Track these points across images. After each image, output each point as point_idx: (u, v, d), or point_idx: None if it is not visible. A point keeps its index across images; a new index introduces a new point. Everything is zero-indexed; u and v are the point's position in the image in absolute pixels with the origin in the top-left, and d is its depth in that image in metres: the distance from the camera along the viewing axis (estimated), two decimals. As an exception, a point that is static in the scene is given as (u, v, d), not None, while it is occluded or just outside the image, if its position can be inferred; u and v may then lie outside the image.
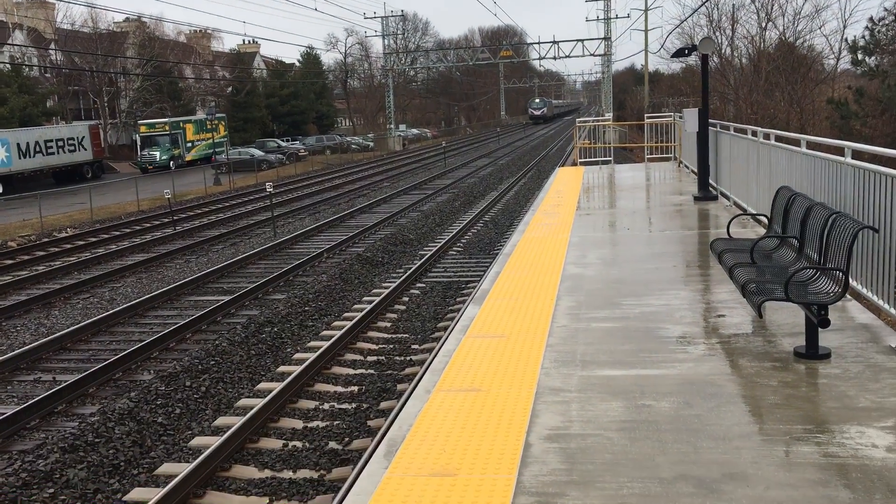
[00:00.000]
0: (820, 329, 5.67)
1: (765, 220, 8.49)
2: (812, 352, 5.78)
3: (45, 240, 22.55)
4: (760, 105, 35.53)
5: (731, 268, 6.63)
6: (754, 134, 11.40)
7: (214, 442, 7.81)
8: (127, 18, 62.81)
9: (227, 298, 13.72)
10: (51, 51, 58.26)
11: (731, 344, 6.20)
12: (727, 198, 13.38)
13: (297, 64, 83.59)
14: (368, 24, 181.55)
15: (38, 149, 41.72)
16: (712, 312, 7.12)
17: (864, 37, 29.51)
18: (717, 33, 40.35)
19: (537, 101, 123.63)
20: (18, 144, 40.30)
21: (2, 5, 57.06)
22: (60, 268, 17.84)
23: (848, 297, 6.90)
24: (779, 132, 10.48)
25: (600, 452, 4.46)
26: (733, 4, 40.37)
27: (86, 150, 46.00)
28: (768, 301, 5.73)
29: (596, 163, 23.24)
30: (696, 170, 15.09)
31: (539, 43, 65.61)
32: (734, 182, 12.98)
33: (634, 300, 7.59)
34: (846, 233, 5.66)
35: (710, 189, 14.16)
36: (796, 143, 8.92)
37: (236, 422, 8.33)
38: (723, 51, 39.96)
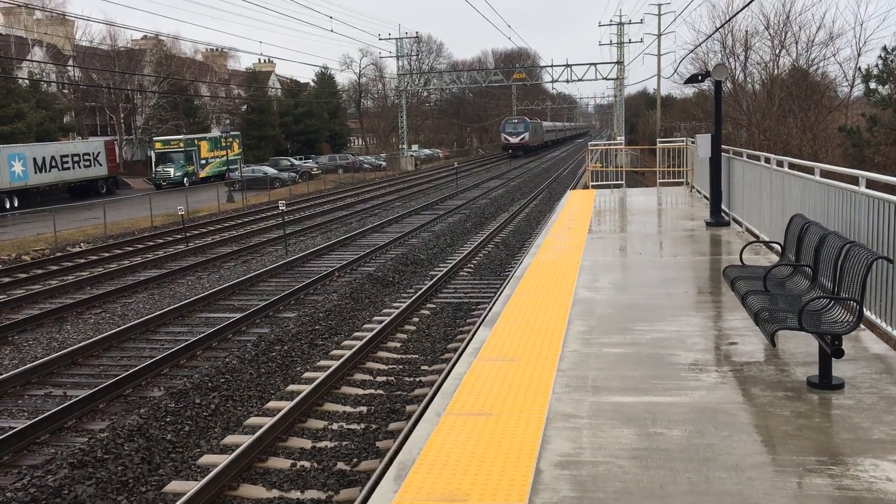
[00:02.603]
0: (833, 359, 5.64)
1: (778, 247, 8.46)
2: (825, 382, 5.74)
3: (59, 254, 22.70)
4: (773, 131, 35.49)
5: (743, 295, 6.60)
6: (767, 161, 11.39)
7: (223, 460, 7.81)
8: (145, 36, 63.46)
9: (237, 316, 13.76)
10: (69, 67, 58.94)
11: (744, 372, 6.16)
12: (740, 224, 13.36)
13: (312, 83, 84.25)
14: (383, 46, 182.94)
15: (53, 163, 42.14)
16: (725, 339, 7.08)
17: (877, 65, 29.51)
18: (731, 59, 40.43)
19: (515, 121, 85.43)
20: (35, 159, 40.71)
21: (22, 22, 57.82)
22: (73, 283, 17.94)
23: (862, 326, 6.85)
24: (792, 159, 10.47)
25: (611, 481, 4.43)
26: (747, 31, 40.38)
27: (101, 165, 46.42)
28: (781, 330, 5.71)
29: (608, 186, 23.25)
30: (708, 195, 15.07)
31: (552, 66, 66.03)
32: (747, 208, 12.95)
33: (646, 326, 7.57)
34: (860, 263, 5.64)
35: (723, 215, 14.14)
36: (810, 170, 8.92)
37: (245, 440, 8.33)
38: (736, 76, 40.02)
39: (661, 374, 6.17)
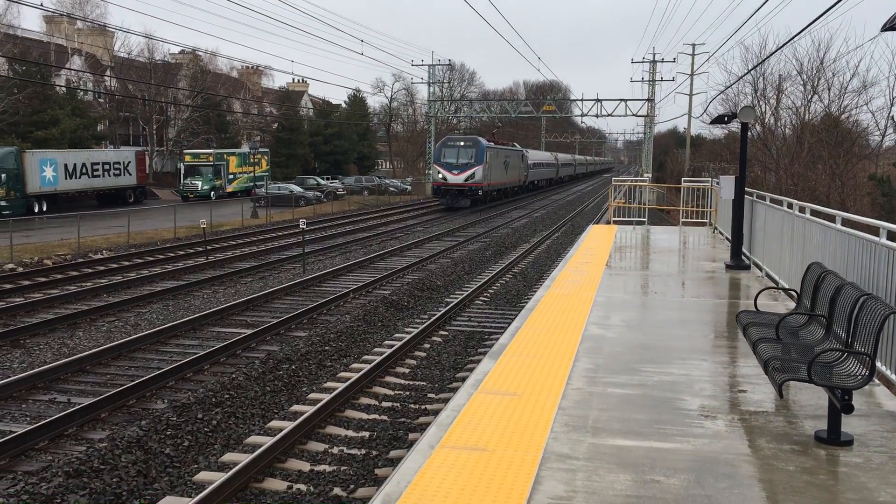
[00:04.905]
0: (843, 414, 5.46)
1: (795, 294, 8.29)
2: (834, 437, 5.56)
3: (80, 260, 22.89)
4: (801, 177, 35.15)
5: (755, 342, 6.45)
6: (790, 206, 11.22)
7: (219, 478, 7.72)
8: (182, 51, 64.56)
9: (248, 332, 13.73)
10: (106, 77, 59.99)
11: (751, 422, 5.99)
12: (760, 268, 13.15)
13: (344, 105, 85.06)
14: (415, 71, 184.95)
15: (84, 170, 42.74)
16: (734, 387, 6.91)
17: (911, 115, 29.20)
18: (762, 102, 40.22)
19: (460, 143, 47.11)
20: (66, 165, 41.31)
21: (63, 31, 59.04)
22: (91, 289, 18.06)
23: (876, 381, 6.67)
24: (814, 206, 10.30)
25: (602, 527, 4.29)
26: (780, 75, 40.18)
27: (130, 175, 47.01)
28: (791, 380, 5.54)
29: (630, 223, 23.08)
30: (730, 237, 14.88)
31: (582, 100, 65.80)
32: (767, 253, 12.76)
33: (654, 367, 7.41)
34: (875, 316, 5.48)
35: (744, 258, 13.94)
36: (831, 218, 8.75)
37: (243, 459, 8.24)
38: (766, 120, 39.79)
39: (664, 419, 6.01)
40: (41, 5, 49.80)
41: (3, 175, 36.86)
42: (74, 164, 41.98)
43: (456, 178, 45.84)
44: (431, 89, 69.29)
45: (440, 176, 46.55)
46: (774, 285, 11.52)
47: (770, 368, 5.75)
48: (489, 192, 48.47)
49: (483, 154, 46.19)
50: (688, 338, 8.60)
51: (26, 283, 19.07)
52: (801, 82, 38.80)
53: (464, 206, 46.26)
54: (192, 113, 62.10)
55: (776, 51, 35.56)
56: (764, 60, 38.15)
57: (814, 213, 10.05)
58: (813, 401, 6.45)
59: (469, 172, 45.64)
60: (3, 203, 36.74)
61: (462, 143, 46.80)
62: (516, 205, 52.56)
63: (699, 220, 22.16)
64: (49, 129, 46.90)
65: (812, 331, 6.86)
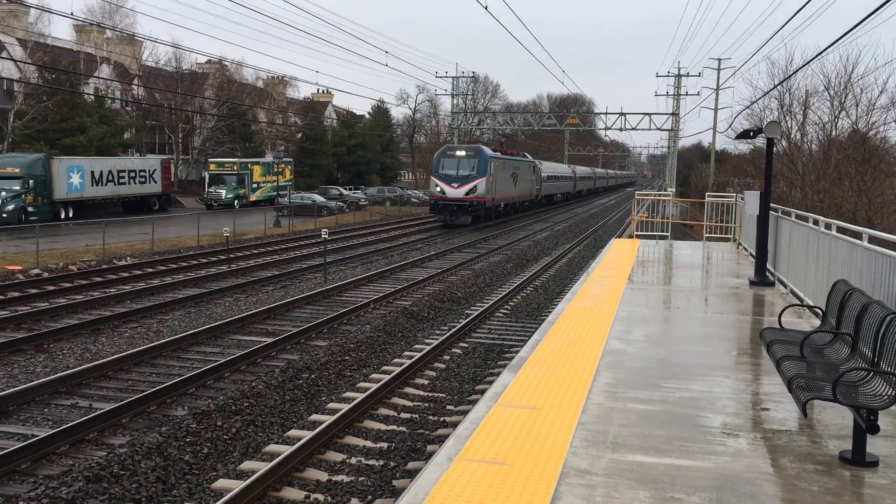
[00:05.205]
0: (868, 435, 5.36)
1: (820, 312, 8.18)
2: (858, 458, 5.46)
3: (105, 266, 23.13)
4: (828, 193, 34.78)
5: (779, 360, 6.36)
6: (815, 222, 11.10)
7: (237, 486, 7.73)
8: (209, 60, 65.27)
9: (269, 340, 13.79)
10: (133, 86, 60.78)
11: (773, 440, 5.91)
12: (784, 285, 13.00)
13: (368, 116, 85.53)
14: (439, 83, 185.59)
15: (110, 178, 43.27)
16: (757, 404, 6.82)
17: (939, 133, 28.86)
18: (788, 118, 39.90)
19: (460, 152, 42.25)
20: (93, 172, 41.85)
21: (93, 40, 59.94)
22: (114, 295, 18.23)
23: (903, 402, 6.55)
24: (840, 223, 10.18)
25: (621, 544, 4.24)
26: (806, 90, 39.86)
27: (156, 182, 47.52)
28: (815, 399, 5.46)
29: (653, 237, 22.95)
30: (754, 253, 14.74)
31: (606, 113, 65.62)
32: (792, 269, 12.62)
33: (676, 383, 7.34)
34: (903, 335, 5.38)
35: (768, 274, 13.80)
36: (858, 235, 8.64)
37: (261, 467, 8.25)
38: (792, 135, 39.46)
39: (686, 436, 5.94)
40: (72, 14, 50.64)
41: (31, 181, 37.41)
42: (101, 172, 42.52)
43: (455, 192, 40.90)
44: (455, 101, 69.47)
45: (438, 189, 41.45)
46: (799, 302, 11.38)
47: (794, 387, 5.67)
48: (493, 207, 43.81)
49: (486, 165, 41.27)
50: (710, 354, 8.51)
51: (51, 288, 19.28)
52: (829, 98, 38.46)
53: (464, 223, 41.13)
54: (217, 122, 62.75)
55: (803, 66, 35.34)
56: (791, 76, 37.89)
57: (840, 229, 9.93)
58: (838, 420, 6.35)
59: (470, 185, 40.79)
60: (30, 209, 37.27)
61: (463, 153, 41.83)
62: (534, 219, 52.40)
63: (723, 236, 21.99)
64: (77, 136, 47.58)
65: (837, 349, 6.76)
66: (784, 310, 8.82)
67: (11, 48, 49.69)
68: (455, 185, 40.84)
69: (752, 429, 6.17)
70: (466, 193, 40.63)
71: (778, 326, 7.73)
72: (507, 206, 47.73)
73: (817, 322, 9.60)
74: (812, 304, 10.49)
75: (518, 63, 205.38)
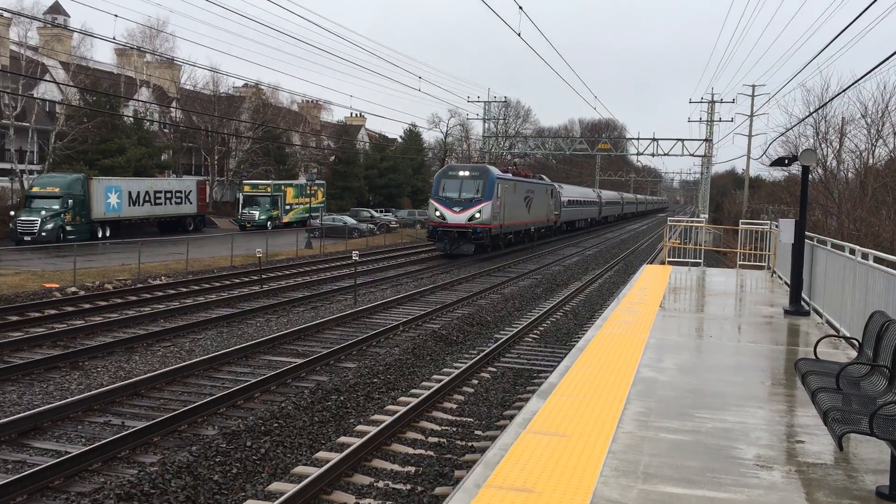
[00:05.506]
0: (907, 470, 5.24)
1: (857, 343, 8.04)
2: (896, 494, 5.34)
3: (140, 285, 23.46)
4: (864, 222, 34.27)
5: (814, 391, 6.25)
6: (852, 252, 10.93)
7: (264, 507, 7.75)
8: (246, 84, 66.34)
9: (299, 361, 13.86)
10: (172, 108, 61.94)
11: (808, 474, 5.80)
12: (819, 315, 12.80)
13: (400, 139, 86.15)
14: (471, 108, 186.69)
15: (147, 198, 44.02)
16: (791, 437, 6.71)
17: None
18: (823, 145, 39.52)
19: (463, 173, 36.94)
20: (130, 193, 42.62)
21: (133, 63, 61.27)
22: (149, 314, 18.47)
23: (943, 437, 6.39)
24: (877, 253, 10.02)
25: (651, 577, 4.17)
26: (843, 118, 39.46)
27: (191, 203, 48.23)
28: (851, 433, 5.35)
29: (685, 263, 22.74)
30: (788, 281, 14.55)
31: (638, 139, 65.50)
32: (828, 299, 12.42)
33: (709, 413, 7.24)
34: (942, 369, 5.27)
35: (803, 304, 13.59)
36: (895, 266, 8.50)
37: (289, 489, 8.27)
38: (828, 163, 39.03)
39: (718, 467, 5.85)
40: (114, 39, 51.83)
41: (70, 201, 38.18)
42: (138, 192, 43.27)
43: (456, 217, 35.68)
44: (486, 125, 69.74)
45: (437, 214, 36.24)
46: (835, 333, 11.19)
47: (830, 419, 5.57)
48: (501, 235, 38.55)
49: (493, 187, 35.98)
50: (743, 384, 8.39)
51: (87, 306, 19.60)
52: (865, 126, 38.05)
53: (465, 252, 36.08)
54: (252, 144, 63.63)
55: (840, 93, 34.93)
56: (827, 103, 37.54)
57: (877, 259, 9.77)
58: (874, 454, 6.22)
59: (473, 210, 35.60)
60: (69, 227, 37.99)
61: (466, 174, 36.57)
62: (563, 244, 52.17)
63: (757, 263, 21.72)
64: (115, 157, 48.55)
65: (874, 381, 6.62)
66: (820, 340, 8.68)
67: (55, 71, 50.96)
68: (456, 209, 35.87)
69: (786, 461, 6.06)
70: (469, 219, 35.71)
71: (813, 357, 7.60)
72: (520, 233, 43.07)
73: (853, 353, 9.43)
74: (848, 334, 10.31)
75: (550, 88, 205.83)
